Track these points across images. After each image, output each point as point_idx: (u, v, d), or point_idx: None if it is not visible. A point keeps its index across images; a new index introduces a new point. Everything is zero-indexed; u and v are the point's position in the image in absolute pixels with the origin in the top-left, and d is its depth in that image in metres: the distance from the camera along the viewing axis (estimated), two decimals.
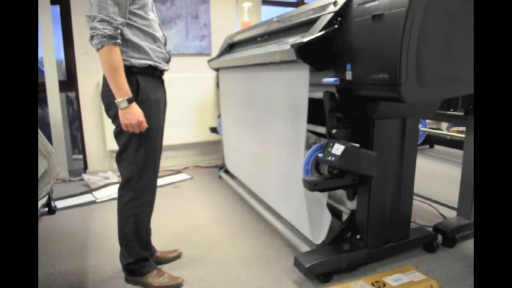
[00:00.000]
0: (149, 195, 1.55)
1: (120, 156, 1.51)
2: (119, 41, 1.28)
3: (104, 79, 1.35)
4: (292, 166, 1.79)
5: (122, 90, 1.30)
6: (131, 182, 1.48)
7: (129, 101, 1.31)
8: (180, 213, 2.37)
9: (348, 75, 1.44)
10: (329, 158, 1.46)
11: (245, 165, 2.54)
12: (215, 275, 1.64)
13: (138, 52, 1.39)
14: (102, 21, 1.24)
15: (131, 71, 1.36)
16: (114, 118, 1.42)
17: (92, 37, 1.26)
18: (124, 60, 1.33)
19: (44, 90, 2.97)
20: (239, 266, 1.72)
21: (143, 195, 1.51)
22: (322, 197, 1.66)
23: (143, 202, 1.52)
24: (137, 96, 1.38)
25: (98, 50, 1.26)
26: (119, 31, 1.28)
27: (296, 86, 1.65)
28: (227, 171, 3.09)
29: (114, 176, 3.06)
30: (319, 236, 1.69)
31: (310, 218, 1.69)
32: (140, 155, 1.45)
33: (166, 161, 3.32)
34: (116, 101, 1.31)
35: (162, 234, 1.99)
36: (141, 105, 1.37)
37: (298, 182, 1.67)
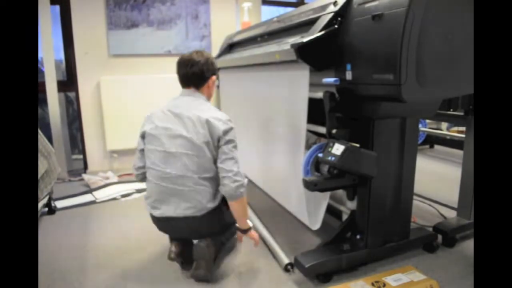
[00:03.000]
0: None
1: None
2: None
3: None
4: (292, 165, 1.79)
5: (246, 221, 1.68)
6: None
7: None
8: None
9: (348, 75, 1.44)
10: (329, 158, 1.46)
11: (245, 162, 2.54)
12: (215, 275, 1.64)
13: None
14: (239, 174, 1.53)
15: None
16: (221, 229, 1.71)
17: (237, 187, 1.50)
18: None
19: (44, 90, 2.97)
20: (239, 266, 1.72)
21: None
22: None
23: None
24: None
25: (239, 198, 1.53)
26: None
27: (296, 86, 1.65)
28: None
29: (114, 176, 3.06)
30: (316, 222, 1.71)
31: (308, 205, 1.70)
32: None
33: None
34: (245, 228, 1.68)
35: None
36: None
37: (297, 177, 1.67)
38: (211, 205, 1.54)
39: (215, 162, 1.54)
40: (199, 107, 1.56)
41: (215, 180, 1.56)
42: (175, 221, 1.55)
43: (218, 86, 1.73)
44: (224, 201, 1.59)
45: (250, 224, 1.72)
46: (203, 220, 1.53)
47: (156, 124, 1.57)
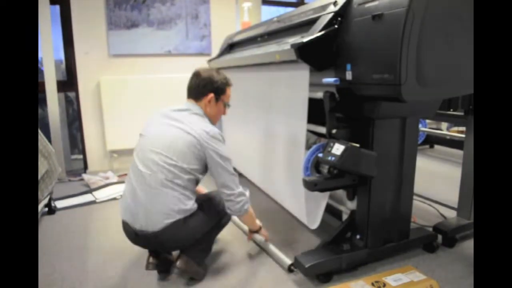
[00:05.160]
0: None
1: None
2: None
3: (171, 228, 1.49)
4: (292, 165, 1.79)
5: (256, 223, 1.79)
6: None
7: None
8: None
9: (348, 75, 1.44)
10: (329, 158, 1.46)
11: (245, 163, 2.54)
12: (215, 275, 1.64)
13: None
14: (241, 194, 1.57)
15: None
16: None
17: (242, 206, 1.56)
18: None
19: (44, 90, 2.97)
20: (239, 266, 1.72)
21: None
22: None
23: None
24: None
25: (245, 213, 1.60)
26: None
27: (296, 86, 1.65)
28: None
29: (114, 176, 3.06)
30: (315, 221, 1.72)
31: (307, 205, 1.71)
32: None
33: None
34: (256, 229, 1.81)
35: None
36: None
37: (297, 177, 1.67)
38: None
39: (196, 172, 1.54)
40: (193, 121, 1.55)
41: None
42: None
43: (226, 105, 1.72)
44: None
45: (259, 223, 1.80)
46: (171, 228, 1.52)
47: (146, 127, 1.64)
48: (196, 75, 1.64)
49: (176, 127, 1.53)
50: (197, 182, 1.58)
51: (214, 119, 1.68)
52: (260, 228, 1.81)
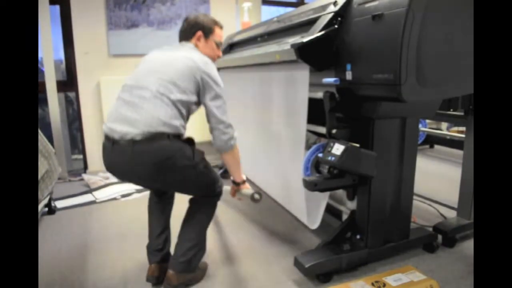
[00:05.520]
0: None
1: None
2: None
3: (166, 148, 1.37)
4: (292, 165, 1.79)
5: (240, 173, 1.66)
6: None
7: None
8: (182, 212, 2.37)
9: (348, 75, 1.44)
10: (329, 158, 1.46)
11: (245, 162, 2.54)
12: (215, 275, 1.64)
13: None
14: (229, 126, 1.50)
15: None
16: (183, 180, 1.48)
17: (228, 140, 1.49)
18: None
19: (43, 90, 2.97)
20: (238, 265, 1.72)
21: None
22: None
23: None
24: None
25: (230, 149, 1.52)
26: None
27: (296, 86, 1.65)
28: (227, 171, 3.09)
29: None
30: (315, 221, 1.71)
31: (307, 205, 1.71)
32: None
33: None
34: (239, 181, 1.66)
35: None
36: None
37: (297, 177, 1.67)
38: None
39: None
40: (190, 51, 1.53)
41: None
42: None
43: (218, 44, 1.71)
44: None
45: (244, 177, 1.68)
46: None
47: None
48: (185, 20, 1.65)
49: (174, 53, 1.51)
50: (188, 110, 1.47)
51: (212, 58, 1.65)
52: (244, 181, 1.68)
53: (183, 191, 1.56)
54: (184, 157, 1.40)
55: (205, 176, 1.50)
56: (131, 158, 1.35)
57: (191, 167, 1.44)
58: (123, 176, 1.49)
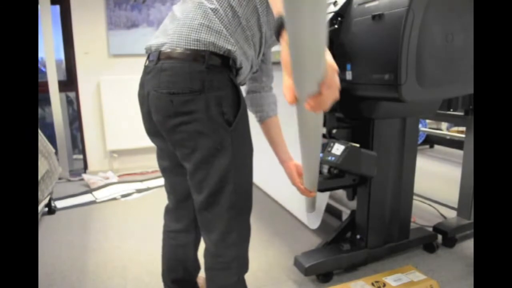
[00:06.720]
0: None
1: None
2: None
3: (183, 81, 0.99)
4: None
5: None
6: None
7: None
8: None
9: (348, 75, 1.44)
10: (329, 158, 1.46)
11: None
12: None
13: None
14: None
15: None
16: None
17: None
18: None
19: (45, 90, 2.97)
20: None
21: None
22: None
23: None
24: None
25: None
26: None
27: None
28: None
29: (114, 176, 3.06)
30: (315, 222, 1.71)
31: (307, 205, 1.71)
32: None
33: None
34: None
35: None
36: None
37: None
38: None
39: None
40: None
41: None
42: None
43: None
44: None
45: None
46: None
47: None
48: None
49: None
50: (245, 37, 1.01)
51: None
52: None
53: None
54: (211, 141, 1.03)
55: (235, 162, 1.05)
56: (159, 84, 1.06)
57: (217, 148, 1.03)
58: None
